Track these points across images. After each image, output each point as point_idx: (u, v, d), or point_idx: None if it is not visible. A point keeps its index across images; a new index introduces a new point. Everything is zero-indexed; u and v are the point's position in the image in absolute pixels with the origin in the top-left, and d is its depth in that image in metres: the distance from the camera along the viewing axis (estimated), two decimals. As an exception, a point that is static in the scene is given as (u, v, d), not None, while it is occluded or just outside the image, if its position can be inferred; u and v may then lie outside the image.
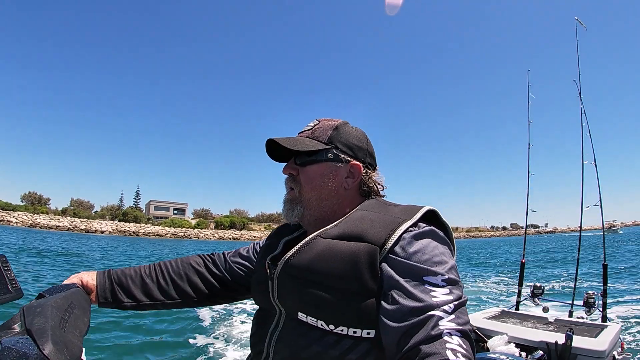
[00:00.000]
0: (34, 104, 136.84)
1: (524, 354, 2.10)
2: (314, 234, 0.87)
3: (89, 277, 1.01)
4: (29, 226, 54.31)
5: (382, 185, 1.00)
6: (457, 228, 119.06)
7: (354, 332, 0.78)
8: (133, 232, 62.16)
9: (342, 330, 0.78)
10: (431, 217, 0.86)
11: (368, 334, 0.77)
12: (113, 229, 61.45)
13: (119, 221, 70.70)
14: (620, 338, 2.52)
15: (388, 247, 0.78)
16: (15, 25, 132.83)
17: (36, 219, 58.19)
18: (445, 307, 0.69)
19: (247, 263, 1.14)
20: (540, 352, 2.10)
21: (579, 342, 2.05)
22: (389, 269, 0.77)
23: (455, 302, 0.71)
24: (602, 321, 3.22)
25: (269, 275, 0.90)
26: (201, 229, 73.11)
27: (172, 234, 64.82)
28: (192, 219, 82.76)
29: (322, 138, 0.94)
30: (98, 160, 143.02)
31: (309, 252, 0.84)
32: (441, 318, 0.68)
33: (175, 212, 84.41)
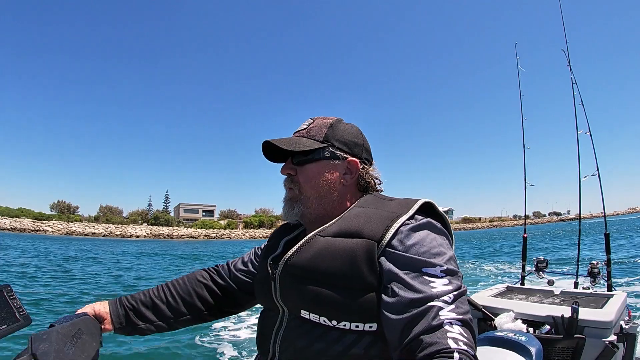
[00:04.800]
0: (53, 113, 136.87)
1: (531, 329, 2.06)
2: (313, 232, 0.87)
3: (101, 306, 1.01)
4: (65, 234, 53.42)
5: (379, 180, 0.99)
6: (479, 218, 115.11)
7: (357, 327, 0.77)
8: (167, 235, 61.61)
9: (344, 326, 0.78)
10: (428, 209, 0.85)
11: (370, 327, 0.77)
12: (147, 233, 61.39)
13: (151, 225, 70.46)
14: (627, 306, 2.47)
15: (385, 241, 0.77)
16: (33, 34, 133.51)
17: (72, 227, 57.36)
18: (445, 298, 0.69)
19: (250, 269, 1.11)
20: (548, 327, 2.07)
21: (585, 314, 2.00)
22: (387, 262, 0.76)
23: (455, 292, 0.70)
24: (608, 290, 3.13)
25: (271, 275, 0.89)
26: (231, 229, 71.95)
27: (205, 235, 64.05)
28: (219, 219, 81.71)
29: (318, 137, 0.93)
30: (122, 165, 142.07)
31: (308, 250, 0.83)
32: (441, 308, 0.68)
33: (204, 213, 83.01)
